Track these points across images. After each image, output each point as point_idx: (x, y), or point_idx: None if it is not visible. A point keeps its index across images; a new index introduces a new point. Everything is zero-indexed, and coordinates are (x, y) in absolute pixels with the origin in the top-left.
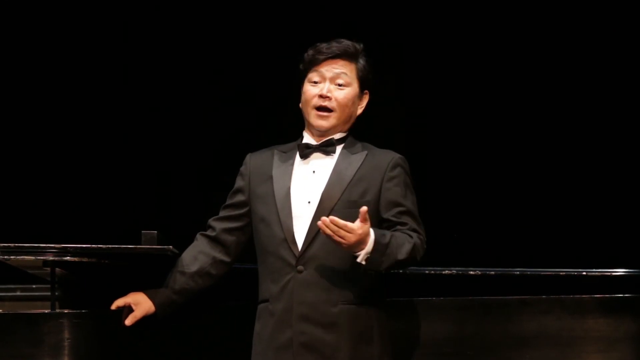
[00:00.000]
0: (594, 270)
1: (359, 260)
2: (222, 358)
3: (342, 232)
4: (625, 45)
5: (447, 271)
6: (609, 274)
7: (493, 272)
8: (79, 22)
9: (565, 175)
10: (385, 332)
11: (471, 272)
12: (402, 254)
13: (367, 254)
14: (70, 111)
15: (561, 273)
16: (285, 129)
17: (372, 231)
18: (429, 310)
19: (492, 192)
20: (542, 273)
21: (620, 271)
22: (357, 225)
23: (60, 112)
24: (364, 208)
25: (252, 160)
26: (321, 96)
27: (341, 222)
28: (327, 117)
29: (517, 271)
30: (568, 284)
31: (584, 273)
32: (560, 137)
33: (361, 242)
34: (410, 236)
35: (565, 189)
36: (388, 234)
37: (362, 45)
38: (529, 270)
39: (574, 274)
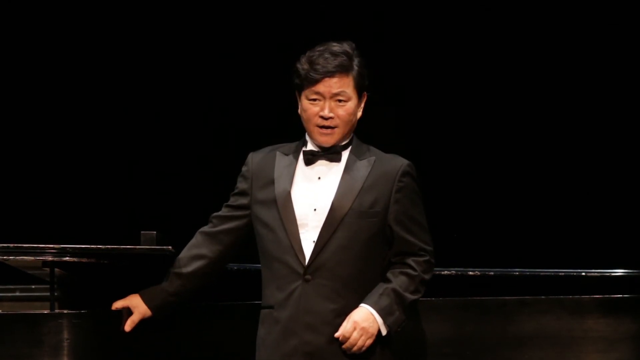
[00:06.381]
0: (593, 270)
1: (384, 334)
2: (221, 358)
3: (360, 339)
4: (626, 45)
5: (446, 271)
6: (609, 274)
7: (492, 273)
8: (79, 21)
9: (564, 176)
10: (389, 344)
11: (470, 273)
12: (412, 294)
13: (383, 325)
14: (70, 111)
15: (560, 273)
16: (285, 129)
17: (368, 307)
18: (428, 310)
19: (492, 193)
20: (542, 273)
21: (619, 271)
22: (350, 326)
23: (60, 112)
24: (338, 335)
25: (254, 161)
26: (322, 117)
27: (347, 337)
28: (331, 133)
29: (516, 271)
30: (567, 285)
31: (584, 273)
32: (559, 137)
33: (372, 324)
34: (408, 271)
35: (564, 189)
36: (384, 291)
37: (353, 46)
38: (528, 271)
39: (574, 275)
